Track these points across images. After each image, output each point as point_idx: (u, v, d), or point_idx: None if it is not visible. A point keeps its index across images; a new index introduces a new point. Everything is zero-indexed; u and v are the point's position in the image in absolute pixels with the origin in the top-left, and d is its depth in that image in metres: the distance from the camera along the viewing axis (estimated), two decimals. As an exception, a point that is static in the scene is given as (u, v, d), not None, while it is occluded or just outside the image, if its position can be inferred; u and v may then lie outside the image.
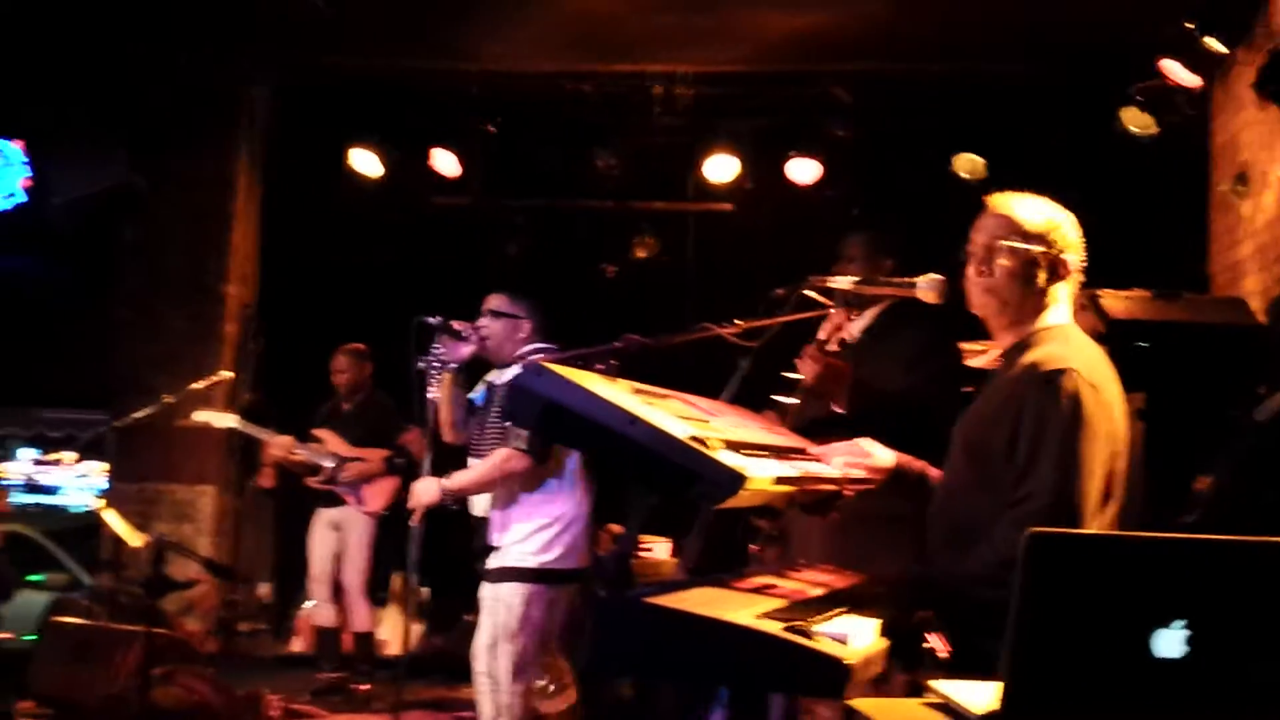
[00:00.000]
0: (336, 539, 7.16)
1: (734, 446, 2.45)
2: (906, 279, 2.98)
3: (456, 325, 4.58)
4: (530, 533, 4.39)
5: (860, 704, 2.12)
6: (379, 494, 7.10)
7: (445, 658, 7.47)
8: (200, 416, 7.21)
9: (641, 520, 2.57)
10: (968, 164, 7.79)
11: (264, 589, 8.96)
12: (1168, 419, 5.14)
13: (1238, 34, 5.95)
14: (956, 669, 2.60)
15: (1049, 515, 2.45)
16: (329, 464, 7.03)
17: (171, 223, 8.31)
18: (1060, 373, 2.58)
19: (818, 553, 3.80)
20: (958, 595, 2.59)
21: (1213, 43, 5.79)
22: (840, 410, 4.08)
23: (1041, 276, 2.75)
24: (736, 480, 2.26)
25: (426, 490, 4.46)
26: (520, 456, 4.27)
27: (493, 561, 4.41)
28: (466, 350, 4.60)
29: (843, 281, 3.17)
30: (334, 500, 7.13)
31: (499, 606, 4.36)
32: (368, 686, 6.99)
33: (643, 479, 2.37)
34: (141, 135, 7.97)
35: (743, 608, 2.27)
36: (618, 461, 2.38)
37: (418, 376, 4.61)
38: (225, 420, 7.23)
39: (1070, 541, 1.87)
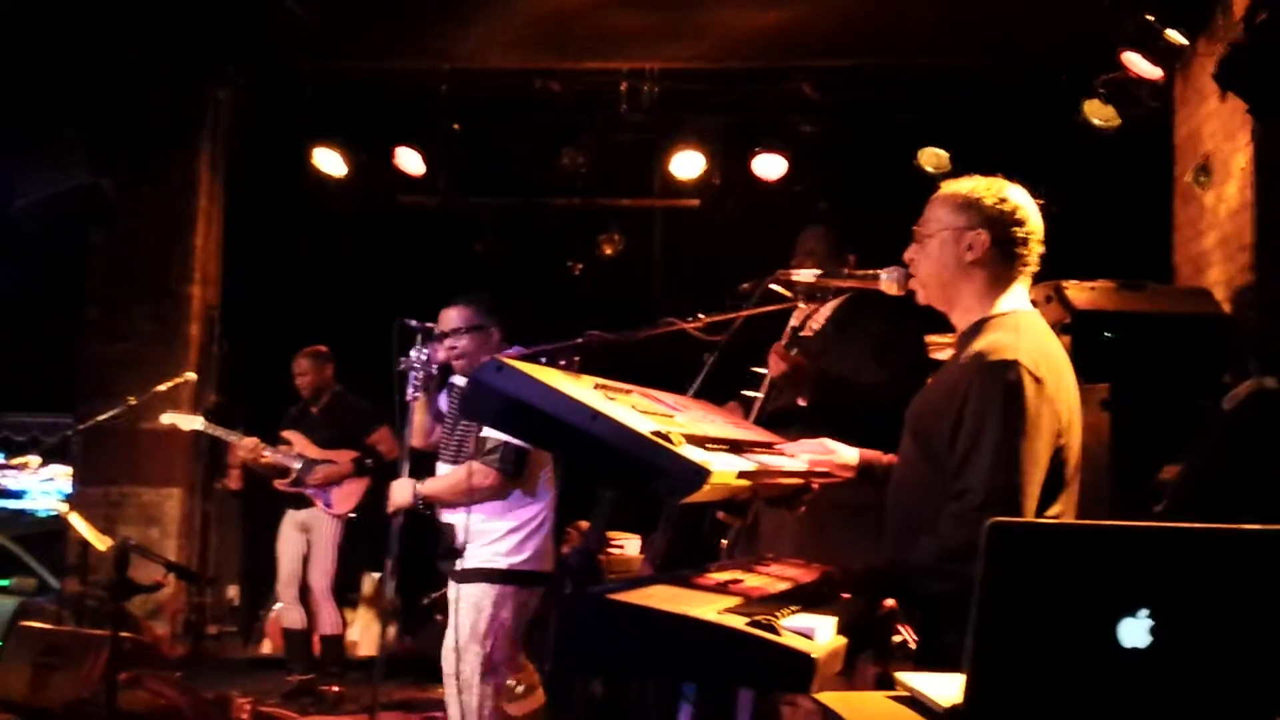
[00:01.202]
0: (304, 541, 7.12)
1: (697, 441, 2.44)
2: (870, 271, 2.98)
3: (436, 329, 4.56)
4: (500, 535, 4.36)
5: (827, 698, 2.11)
6: (347, 496, 7.07)
7: (416, 659, 7.44)
8: (167, 419, 7.17)
9: (606, 517, 2.54)
10: (932, 158, 7.79)
11: (232, 591, 8.91)
12: (1134, 409, 5.17)
13: (1198, 25, 5.98)
14: (919, 660, 2.61)
15: (987, 510, 2.42)
16: (297, 466, 6.99)
17: (136, 224, 8.23)
18: (1004, 364, 2.54)
19: (791, 546, 3.81)
20: (907, 587, 2.58)
21: (1174, 34, 5.81)
22: (803, 404, 4.09)
23: (976, 254, 2.71)
24: (700, 475, 2.24)
25: (401, 491, 4.43)
26: (492, 474, 4.24)
27: (461, 563, 4.38)
28: (444, 354, 4.58)
29: (806, 275, 3.17)
30: (302, 502, 7.10)
31: (467, 608, 4.32)
32: (337, 688, 6.96)
33: (605, 475, 2.36)
34: (105, 136, 7.89)
35: (707, 603, 2.26)
36: (580, 457, 2.36)
37: (398, 378, 4.59)
38: (192, 422, 7.19)
39: (1031, 531, 1.87)
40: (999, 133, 7.30)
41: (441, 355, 4.56)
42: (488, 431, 4.26)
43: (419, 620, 7.92)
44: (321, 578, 7.09)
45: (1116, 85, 6.52)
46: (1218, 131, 5.95)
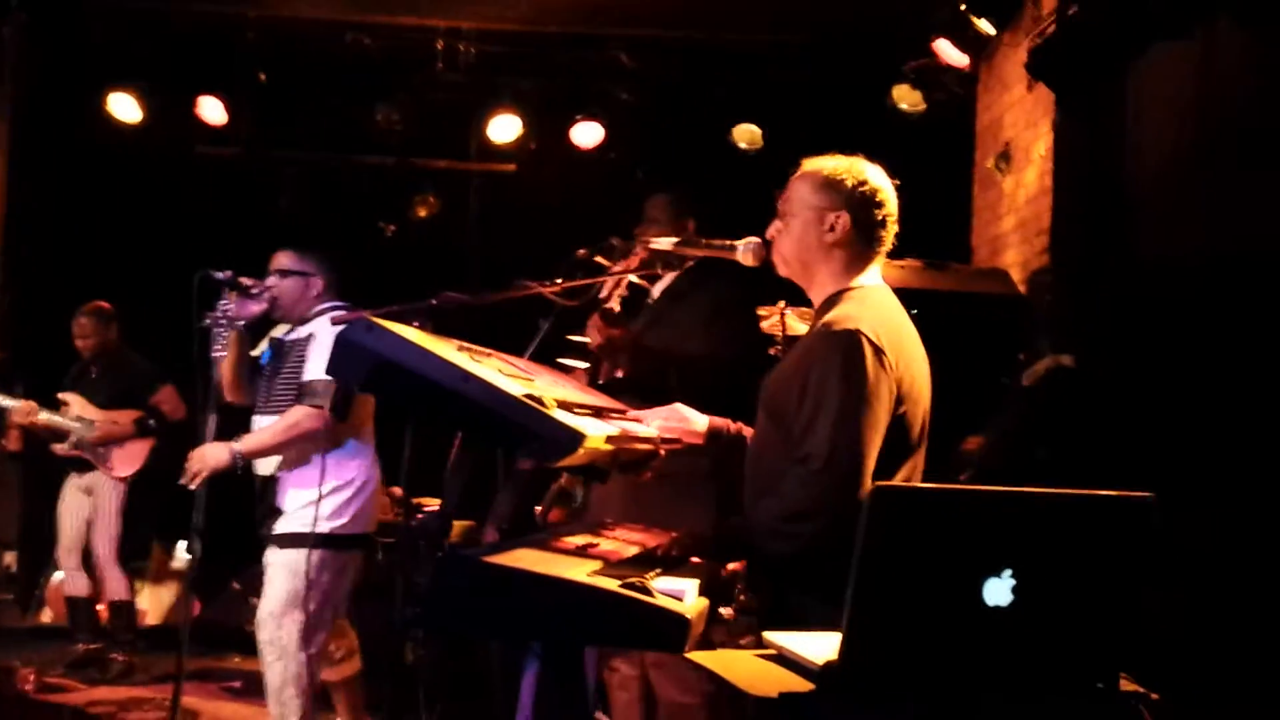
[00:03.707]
0: (89, 505, 6.80)
1: (566, 406, 2.44)
2: (726, 241, 3.02)
3: (245, 281, 4.38)
4: (321, 496, 4.25)
5: (699, 657, 2.16)
6: (130, 457, 6.78)
7: (210, 627, 7.21)
8: None
9: (463, 482, 2.53)
10: (746, 134, 7.95)
11: (9, 558, 8.42)
12: (938, 382, 5.41)
13: (1004, 17, 6.26)
14: (763, 623, 2.68)
15: (828, 472, 2.53)
16: (75, 427, 6.67)
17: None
18: (846, 333, 2.62)
19: (617, 513, 3.84)
20: (749, 547, 2.66)
21: (983, 24, 6.07)
22: (620, 375, 4.14)
23: (838, 235, 2.78)
24: (575, 439, 2.25)
25: (215, 455, 4.26)
26: (318, 415, 4.12)
27: (280, 526, 4.26)
28: (256, 308, 4.41)
29: (664, 242, 3.20)
30: (85, 465, 6.77)
31: (286, 574, 4.21)
32: (125, 657, 6.68)
33: (476, 437, 2.34)
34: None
35: (574, 567, 2.27)
36: (450, 420, 2.33)
37: (201, 334, 4.39)
38: None
39: (909, 495, 1.94)
40: (811, 112, 7.49)
41: (254, 307, 4.41)
42: (312, 375, 4.17)
43: (214, 587, 7.66)
44: (106, 543, 6.76)
45: (925, 71, 6.78)
46: (1019, 120, 6.25)
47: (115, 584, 6.82)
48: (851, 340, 2.60)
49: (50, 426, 6.69)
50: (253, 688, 6.26)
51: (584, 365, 4.55)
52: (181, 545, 7.84)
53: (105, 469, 6.73)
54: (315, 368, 4.22)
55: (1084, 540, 2.00)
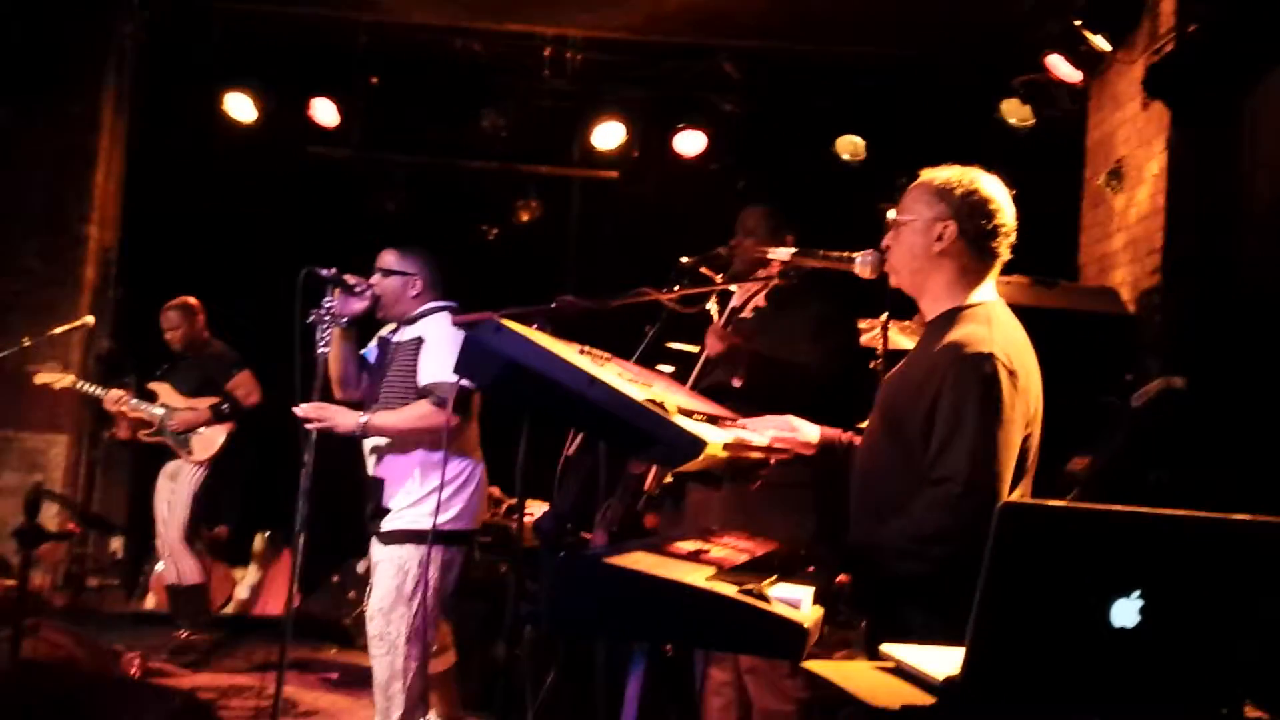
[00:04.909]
0: (170, 490, 6.98)
1: (684, 412, 2.47)
2: (845, 254, 3.02)
3: (350, 279, 4.45)
4: (428, 493, 4.32)
5: (816, 667, 2.16)
6: (207, 443, 6.93)
7: (309, 619, 7.35)
8: (40, 378, 6.99)
9: (581, 483, 2.56)
10: (849, 145, 7.92)
11: (115, 544, 8.66)
12: (1045, 401, 5.34)
13: (1118, 34, 6.16)
14: (873, 636, 2.68)
15: (966, 497, 2.52)
16: (159, 414, 6.87)
17: (32, 160, 7.92)
18: (980, 356, 2.59)
19: (717, 521, 3.86)
20: (875, 565, 2.64)
21: (1098, 40, 5.98)
22: (737, 384, 4.15)
23: (945, 244, 2.75)
24: (696, 445, 2.27)
25: (344, 418, 4.32)
26: (443, 412, 4.20)
27: (389, 523, 4.34)
28: (359, 305, 4.47)
29: (783, 253, 3.20)
30: (172, 453, 6.96)
31: (394, 570, 4.29)
32: (203, 637, 6.82)
33: (598, 441, 2.37)
34: (3, 69, 7.57)
35: (691, 572, 2.29)
36: (573, 422, 2.37)
37: (308, 330, 4.46)
38: (63, 380, 7.00)
39: (1038, 513, 1.93)
40: (916, 124, 7.44)
41: (358, 305, 4.48)
42: (431, 378, 4.25)
43: (313, 580, 7.81)
44: (175, 528, 6.87)
45: (1035, 86, 6.70)
46: (1132, 137, 6.15)
47: (184, 566, 6.93)
48: (987, 363, 2.58)
49: (138, 415, 6.90)
50: (350, 679, 6.38)
51: (670, 370, 4.59)
52: (265, 534, 8.04)
53: (184, 454, 6.91)
54: (431, 369, 4.30)
55: (1216, 564, 1.97)
